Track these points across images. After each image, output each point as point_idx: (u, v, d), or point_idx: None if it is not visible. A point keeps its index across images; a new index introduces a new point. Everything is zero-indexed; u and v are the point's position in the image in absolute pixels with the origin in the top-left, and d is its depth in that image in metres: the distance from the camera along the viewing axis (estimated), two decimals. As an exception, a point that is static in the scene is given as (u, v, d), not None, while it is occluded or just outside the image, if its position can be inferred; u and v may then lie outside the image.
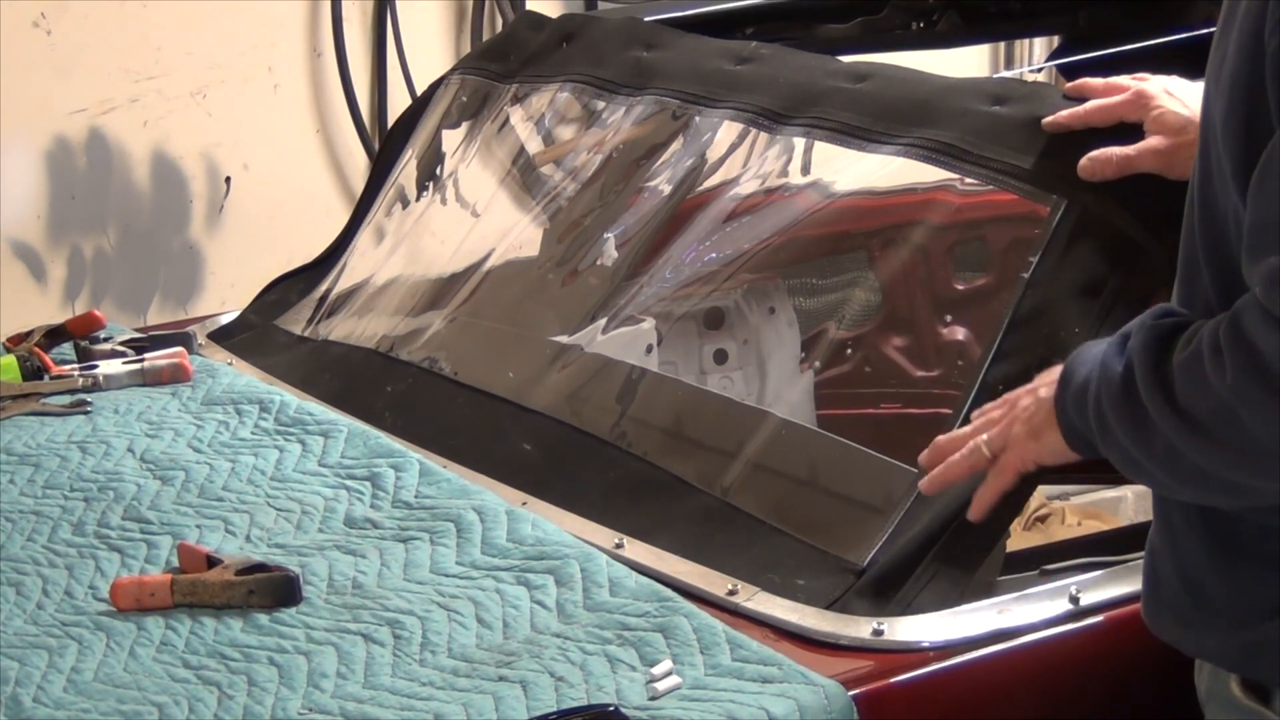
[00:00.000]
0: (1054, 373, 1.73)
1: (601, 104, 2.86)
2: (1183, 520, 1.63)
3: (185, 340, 2.85)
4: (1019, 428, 1.78)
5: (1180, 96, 2.01)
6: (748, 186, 2.62)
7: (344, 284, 3.02)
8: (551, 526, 2.11)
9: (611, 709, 1.71)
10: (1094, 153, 2.03)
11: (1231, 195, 1.52)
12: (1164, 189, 2.02)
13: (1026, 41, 5.52)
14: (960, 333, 2.74)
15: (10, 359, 2.72)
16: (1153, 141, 2.00)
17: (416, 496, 2.23)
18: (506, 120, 3.02)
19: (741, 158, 2.64)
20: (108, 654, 1.93)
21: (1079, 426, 1.65)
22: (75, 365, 2.77)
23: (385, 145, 3.31)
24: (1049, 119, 2.12)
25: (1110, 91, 2.07)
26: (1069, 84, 2.15)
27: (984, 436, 1.83)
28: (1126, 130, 2.05)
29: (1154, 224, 2.04)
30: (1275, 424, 1.45)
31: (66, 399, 2.67)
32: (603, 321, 2.59)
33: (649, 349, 2.61)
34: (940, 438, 1.91)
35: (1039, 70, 4.49)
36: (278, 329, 2.99)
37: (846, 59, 2.71)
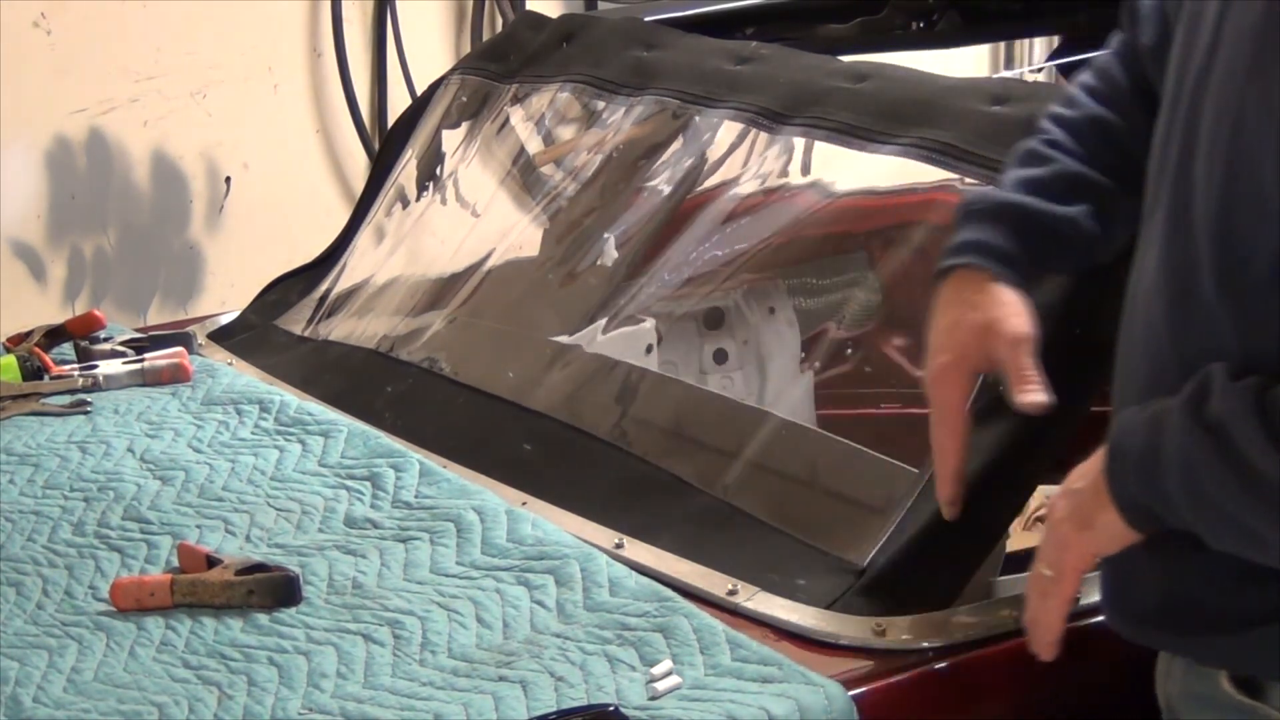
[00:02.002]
0: (1085, 469, 1.61)
1: (601, 104, 2.86)
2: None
3: (185, 340, 2.85)
4: (1066, 528, 1.64)
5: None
6: (748, 186, 2.62)
7: (344, 284, 3.02)
8: (551, 526, 2.11)
9: (611, 709, 1.71)
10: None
11: (1276, 226, 1.42)
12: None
13: (1026, 41, 5.52)
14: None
15: (10, 359, 2.72)
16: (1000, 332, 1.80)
17: (416, 496, 2.23)
18: (506, 120, 3.02)
19: (741, 158, 2.65)
20: (108, 654, 1.93)
21: (1145, 500, 1.54)
22: (75, 365, 2.77)
23: (385, 145, 3.31)
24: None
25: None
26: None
27: (1039, 565, 1.69)
28: None
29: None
30: None
31: (66, 399, 2.67)
32: (603, 321, 2.59)
33: (649, 349, 2.61)
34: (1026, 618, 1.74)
35: (1039, 70, 4.49)
36: (278, 329, 2.99)
37: (846, 59, 2.71)
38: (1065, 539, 1.64)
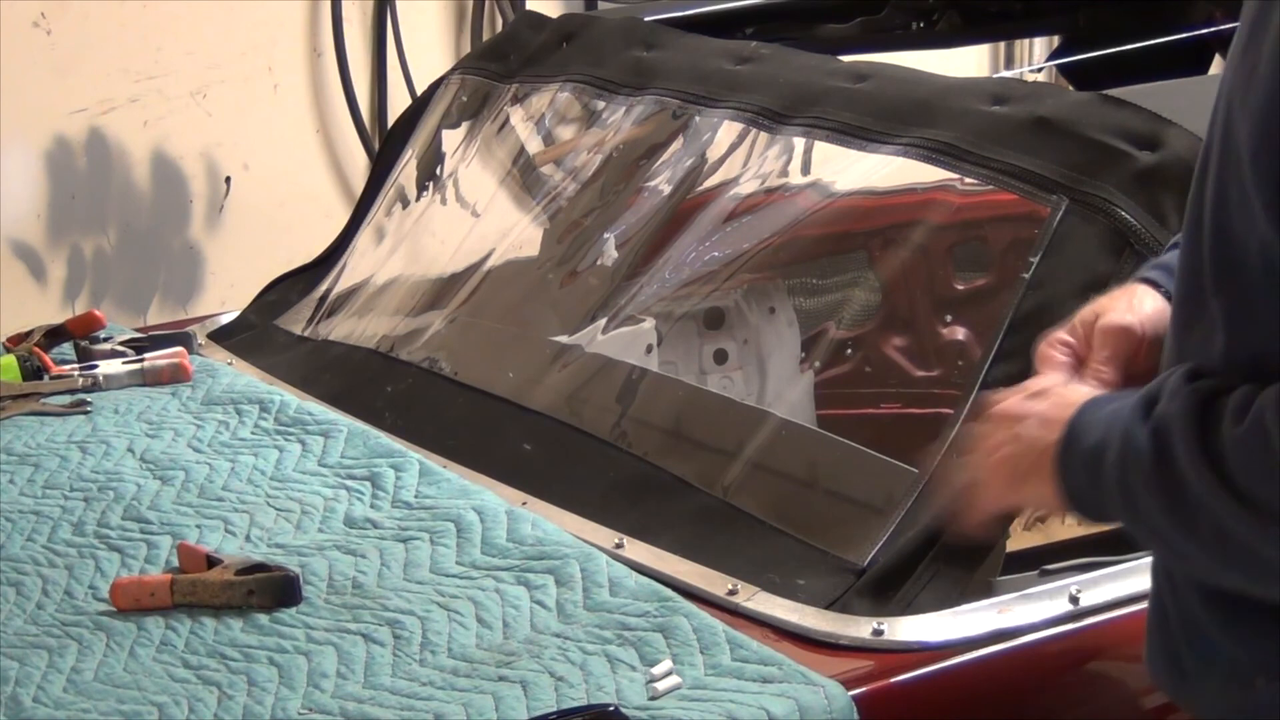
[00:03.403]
0: (1046, 413, 1.55)
1: (601, 104, 2.86)
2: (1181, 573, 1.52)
3: (185, 340, 2.85)
4: (998, 466, 1.58)
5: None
6: (748, 186, 2.62)
7: (344, 284, 3.02)
8: (551, 526, 2.11)
9: (611, 709, 1.71)
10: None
11: (1258, 226, 1.38)
12: (1167, 188, 2.02)
13: (1026, 41, 5.52)
14: (960, 333, 2.74)
15: (10, 359, 2.72)
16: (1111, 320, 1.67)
17: (416, 496, 2.23)
18: (506, 120, 3.02)
19: (741, 158, 2.65)
20: (108, 654, 1.93)
21: (1088, 494, 1.50)
22: (75, 365, 2.77)
23: (385, 145, 3.31)
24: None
25: None
26: None
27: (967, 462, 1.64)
28: None
29: (1156, 224, 2.04)
30: None
31: (66, 399, 2.67)
32: (603, 321, 2.59)
33: (649, 349, 2.61)
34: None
35: (1039, 70, 4.49)
36: (278, 329, 2.99)
37: (846, 59, 2.71)
38: (993, 476, 1.59)
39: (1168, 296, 1.64)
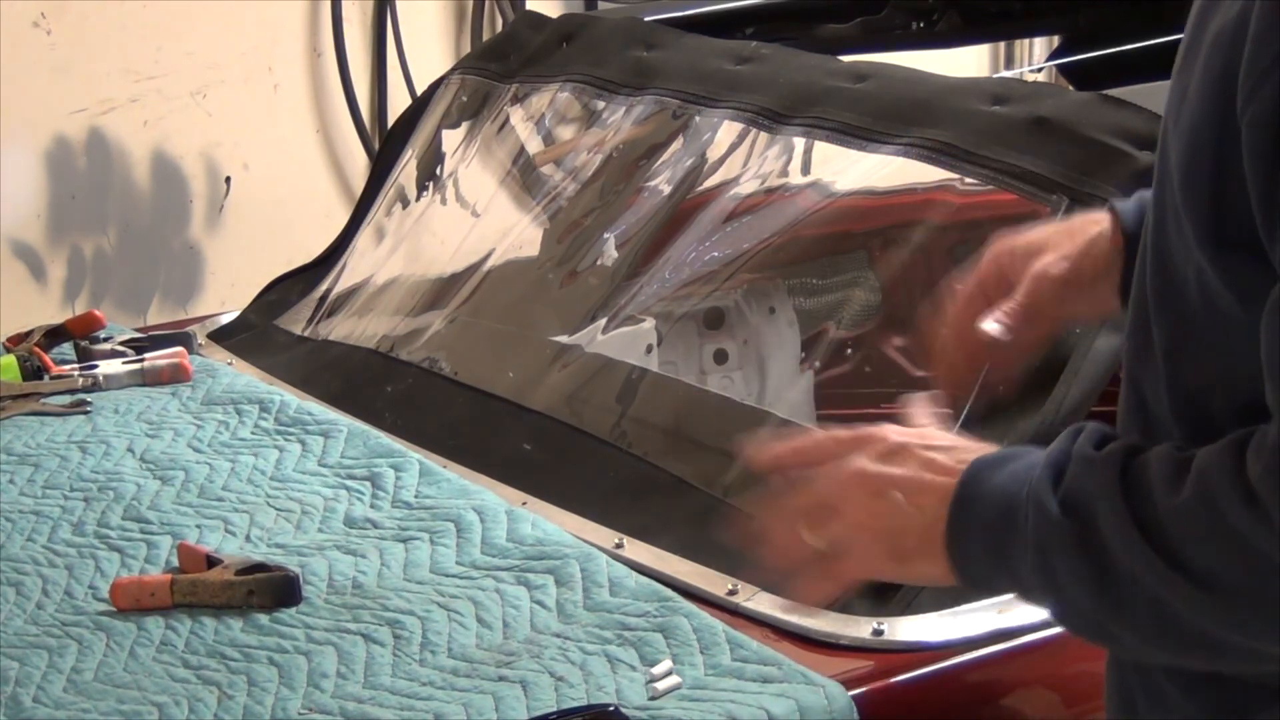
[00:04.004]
0: (908, 467, 1.39)
1: (601, 104, 2.86)
2: (1175, 688, 1.38)
3: (185, 340, 2.85)
4: (871, 541, 1.40)
5: (1030, 229, 1.64)
6: (748, 186, 2.62)
7: (344, 284, 3.02)
8: (551, 526, 2.11)
9: (611, 709, 1.71)
10: (988, 325, 1.60)
11: (1193, 254, 1.29)
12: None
13: (1026, 41, 5.52)
14: (960, 333, 2.74)
15: (10, 359, 2.72)
16: (1040, 264, 1.60)
17: (416, 496, 2.23)
18: (506, 120, 3.02)
19: (741, 158, 2.64)
20: (108, 654, 1.93)
21: (990, 575, 1.36)
22: (75, 365, 2.77)
23: (385, 145, 3.31)
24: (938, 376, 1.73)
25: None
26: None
27: (817, 532, 1.42)
28: None
29: (1154, 224, 2.04)
30: None
31: (66, 399, 2.67)
32: (603, 321, 2.59)
33: (649, 349, 2.61)
34: (780, 451, 1.49)
35: (1039, 70, 4.49)
36: (278, 329, 2.99)
37: (846, 59, 2.71)
38: (866, 553, 1.40)
39: (1126, 233, 1.55)
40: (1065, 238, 1.60)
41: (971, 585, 1.39)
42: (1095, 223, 1.59)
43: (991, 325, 1.56)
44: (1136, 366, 1.41)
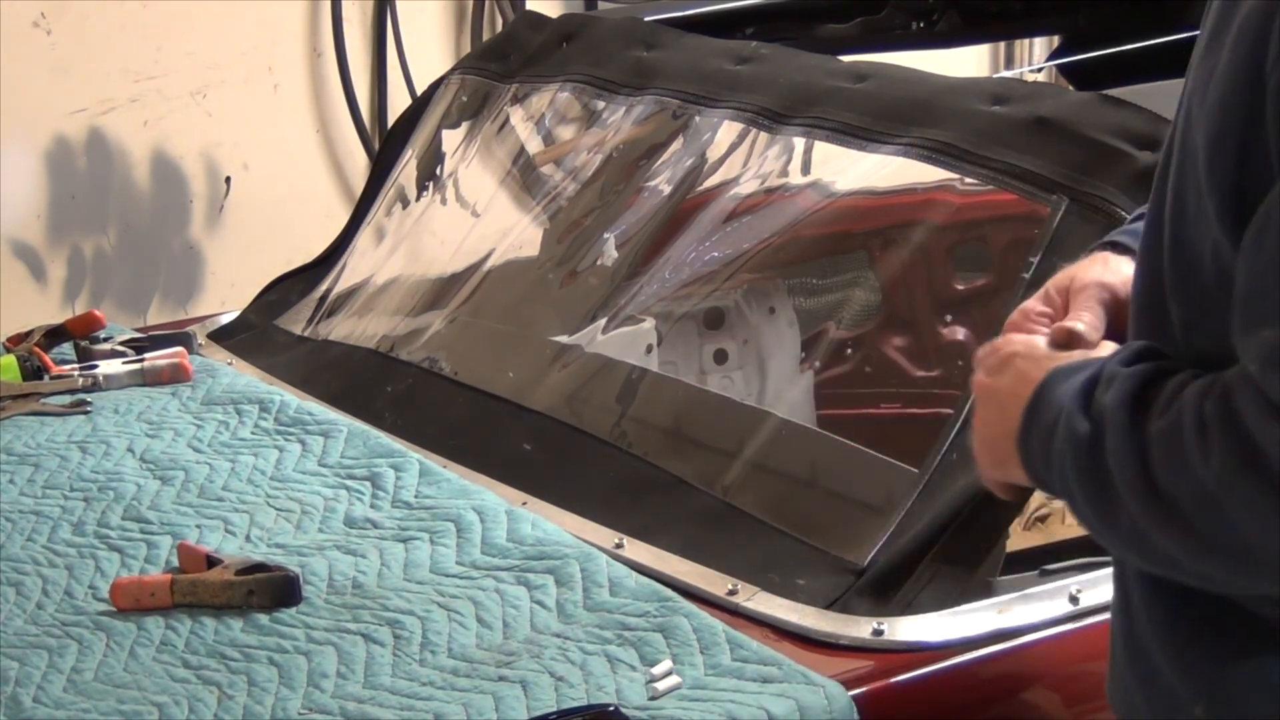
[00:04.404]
0: (1007, 378, 1.49)
1: (601, 104, 2.86)
2: (1139, 593, 1.46)
3: (185, 340, 2.85)
4: (981, 448, 1.53)
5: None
6: (748, 186, 2.62)
7: (344, 284, 3.02)
8: (551, 526, 2.11)
9: (611, 709, 1.71)
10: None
11: (1211, 229, 1.34)
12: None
13: (1026, 41, 5.52)
14: (960, 333, 2.74)
15: (10, 359, 2.72)
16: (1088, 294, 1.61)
17: (416, 496, 2.23)
18: (506, 120, 3.02)
19: (741, 158, 2.64)
20: (108, 654, 1.93)
21: (1043, 476, 1.44)
22: (75, 365, 2.77)
23: (385, 145, 3.31)
24: None
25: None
26: None
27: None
28: None
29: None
30: (1265, 522, 1.26)
31: (66, 399, 2.67)
32: (603, 321, 2.59)
33: (649, 349, 2.61)
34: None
35: (1039, 70, 4.49)
36: (278, 329, 2.99)
37: (846, 59, 2.71)
38: (980, 458, 1.53)
39: (1128, 254, 1.59)
40: (1091, 264, 1.64)
41: (1039, 488, 1.48)
42: (1104, 254, 1.63)
43: (1070, 322, 1.57)
44: (1145, 339, 1.45)
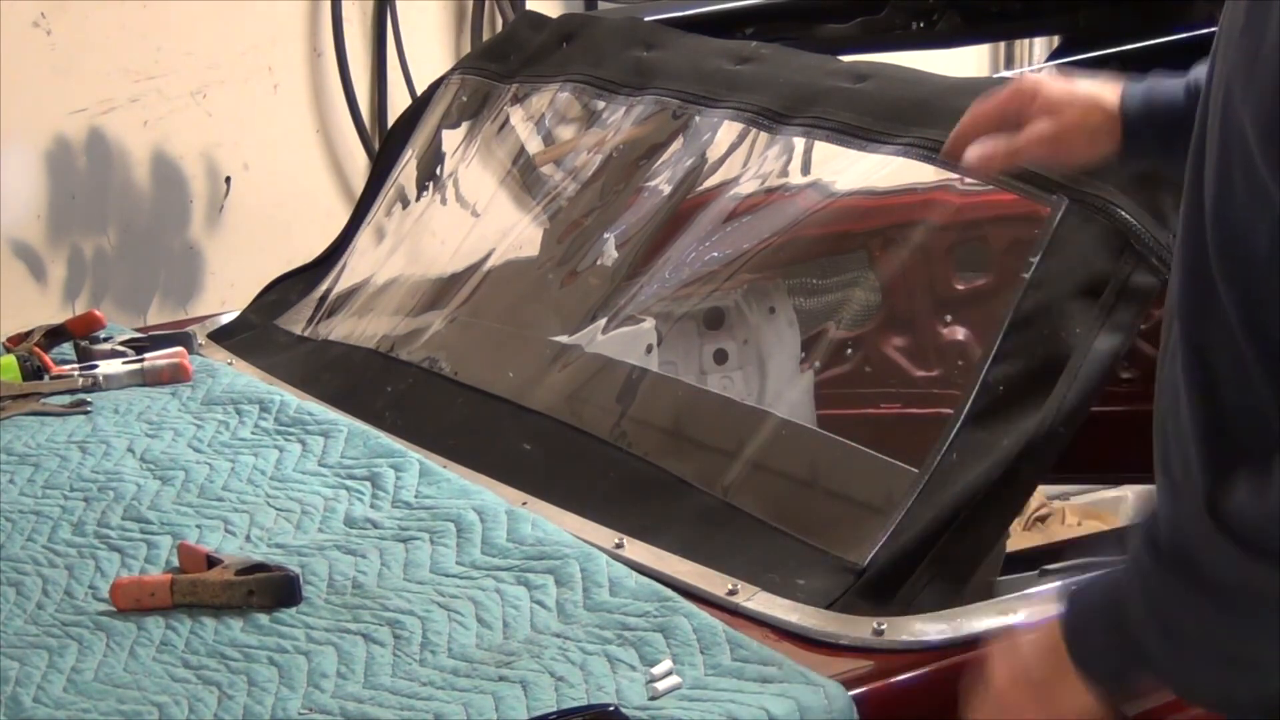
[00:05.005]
0: (1023, 654, 1.52)
1: (601, 104, 2.86)
2: None
3: (185, 340, 2.85)
4: (1022, 701, 1.52)
5: (1059, 82, 1.81)
6: (748, 186, 2.62)
7: (344, 284, 3.02)
8: (551, 526, 2.11)
9: (611, 709, 1.71)
10: (977, 147, 1.81)
11: (1274, 205, 1.34)
12: (1165, 187, 2.02)
13: (1026, 41, 5.52)
14: (960, 333, 2.75)
15: (10, 359, 2.72)
16: (1039, 126, 1.78)
17: (416, 496, 2.23)
18: (506, 120, 3.02)
19: (741, 158, 2.64)
20: (108, 654, 1.93)
21: (1115, 661, 1.46)
22: (75, 365, 2.77)
23: (385, 145, 3.31)
24: (945, 149, 1.92)
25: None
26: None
27: None
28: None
29: (1155, 224, 2.04)
30: None
31: (66, 399, 2.67)
32: (603, 321, 2.59)
33: (649, 349, 2.61)
34: None
35: (1039, 70, 4.49)
36: (278, 329, 2.99)
37: (846, 59, 2.71)
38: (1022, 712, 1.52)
39: (1126, 119, 1.72)
40: (1069, 104, 1.76)
41: (1104, 685, 1.47)
42: (1106, 96, 1.75)
43: (973, 153, 1.79)
44: (1197, 322, 1.46)
